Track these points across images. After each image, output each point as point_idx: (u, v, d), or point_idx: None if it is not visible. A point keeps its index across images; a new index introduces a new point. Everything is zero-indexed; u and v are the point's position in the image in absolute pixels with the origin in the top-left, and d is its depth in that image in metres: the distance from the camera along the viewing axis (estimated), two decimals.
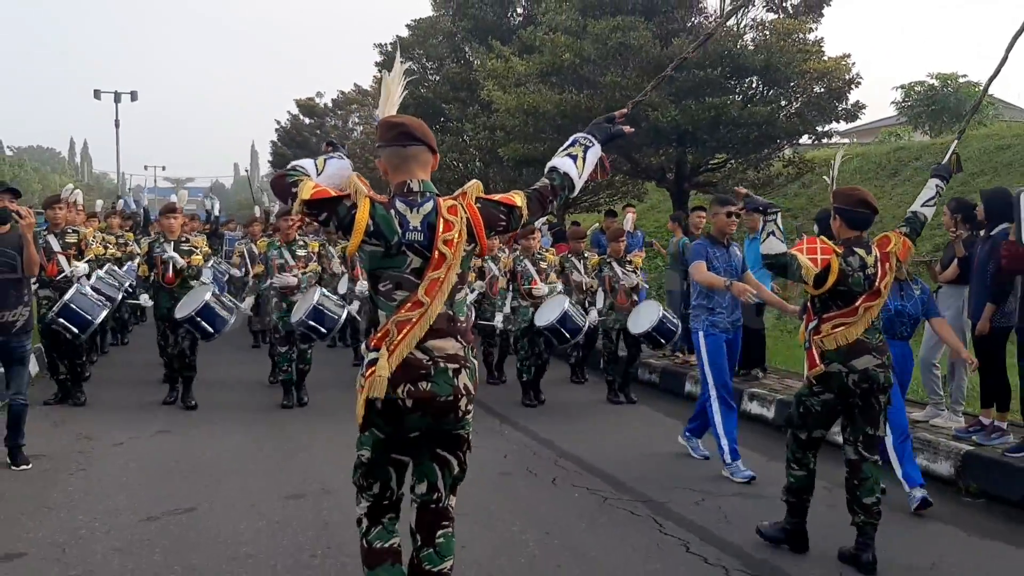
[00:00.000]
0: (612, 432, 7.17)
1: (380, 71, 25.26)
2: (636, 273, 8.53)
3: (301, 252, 8.28)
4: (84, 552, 4.16)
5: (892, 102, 20.29)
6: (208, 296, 7.69)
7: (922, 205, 4.72)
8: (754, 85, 12.58)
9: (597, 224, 12.37)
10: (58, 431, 6.70)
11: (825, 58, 13.02)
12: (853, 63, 12.97)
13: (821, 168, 15.66)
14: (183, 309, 7.67)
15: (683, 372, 9.06)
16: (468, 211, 3.00)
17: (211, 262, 9.01)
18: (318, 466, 5.78)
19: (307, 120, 35.79)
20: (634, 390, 8.59)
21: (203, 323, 7.64)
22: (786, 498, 4.47)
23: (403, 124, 3.04)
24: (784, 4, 13.23)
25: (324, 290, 8.06)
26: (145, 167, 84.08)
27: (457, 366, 2.96)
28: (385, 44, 23.60)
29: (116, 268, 8.99)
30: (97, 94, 39.05)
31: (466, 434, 3.06)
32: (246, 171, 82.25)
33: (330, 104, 35.60)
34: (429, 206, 2.99)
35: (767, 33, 12.50)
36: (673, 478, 5.70)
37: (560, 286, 8.56)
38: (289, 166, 3.13)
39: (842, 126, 15.92)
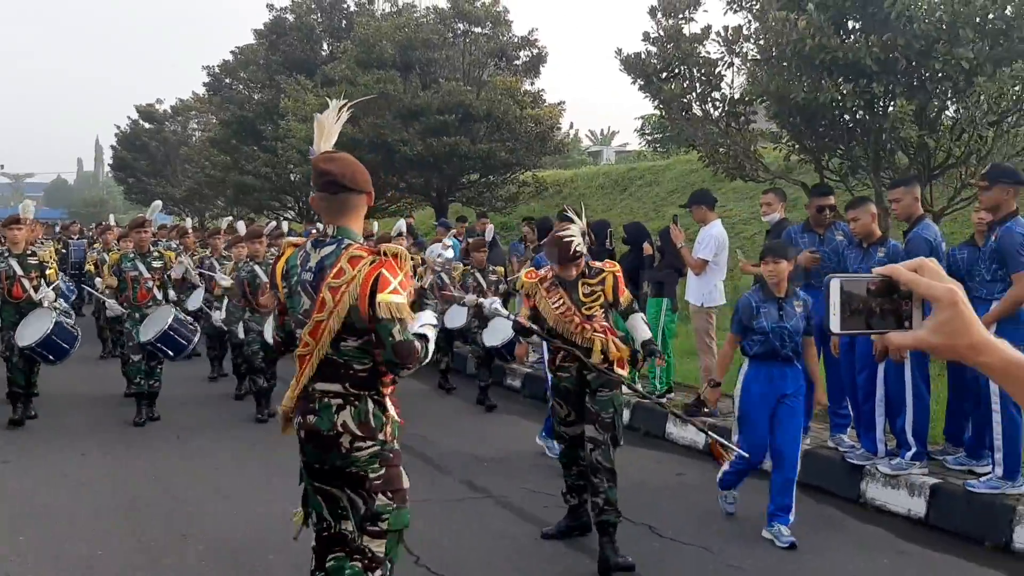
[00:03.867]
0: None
1: (206, 92, 28.07)
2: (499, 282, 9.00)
3: (157, 264, 8.09)
4: None
5: (635, 130, 25.02)
6: (51, 325, 7.48)
7: None
8: (480, 129, 16.48)
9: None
10: None
11: (546, 105, 17.22)
12: (563, 110, 17.24)
13: (553, 187, 19.96)
14: (24, 337, 7.51)
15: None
16: (369, 271, 2.90)
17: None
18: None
19: (147, 125, 37.62)
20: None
21: (46, 353, 7.57)
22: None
23: (330, 172, 3.00)
24: (513, 64, 17.31)
25: (178, 313, 7.99)
26: None
27: (341, 402, 2.99)
28: (213, 66, 26.50)
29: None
30: None
31: (365, 473, 2.99)
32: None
33: (169, 111, 37.58)
34: (329, 250, 2.99)
35: (491, 90, 16.45)
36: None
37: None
38: None
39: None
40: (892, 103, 7.73)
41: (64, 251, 13.90)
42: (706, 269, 7.69)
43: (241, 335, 8.63)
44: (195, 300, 10.03)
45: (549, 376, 5.19)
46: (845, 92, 7.66)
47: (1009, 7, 7.72)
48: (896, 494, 5.95)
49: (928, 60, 7.51)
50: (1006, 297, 5.27)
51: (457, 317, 9.06)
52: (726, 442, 5.15)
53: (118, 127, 38.23)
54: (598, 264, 4.99)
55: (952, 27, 7.36)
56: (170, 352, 7.81)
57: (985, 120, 7.69)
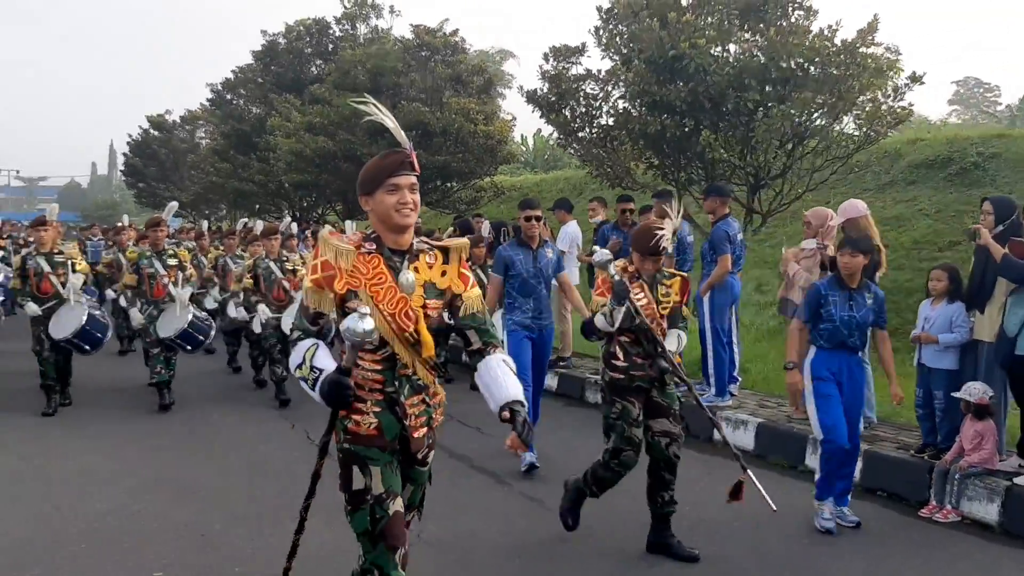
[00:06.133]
0: None
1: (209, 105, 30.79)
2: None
3: (172, 261, 8.60)
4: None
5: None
6: (85, 317, 8.02)
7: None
8: (437, 143, 19.03)
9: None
10: None
11: (498, 121, 19.82)
12: (514, 125, 19.87)
13: (516, 191, 22.50)
14: (59, 329, 8.03)
15: None
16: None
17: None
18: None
19: (157, 133, 40.33)
20: None
21: (82, 343, 8.16)
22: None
23: None
24: (468, 87, 19.96)
25: (195, 311, 8.53)
26: None
27: None
28: (215, 84, 29.27)
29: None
30: None
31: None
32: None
33: (178, 121, 40.31)
34: None
35: (448, 110, 18.95)
36: None
37: None
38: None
39: None
40: (700, 134, 10.29)
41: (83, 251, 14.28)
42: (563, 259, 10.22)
43: (258, 329, 9.10)
44: (211, 300, 10.81)
45: (611, 376, 5.00)
46: (665, 125, 10.25)
47: (792, 62, 10.28)
48: None
49: (723, 102, 10.07)
50: (714, 272, 7.82)
51: None
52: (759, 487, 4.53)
53: (130, 135, 40.95)
54: (669, 268, 5.15)
55: (739, 78, 9.92)
56: (188, 347, 8.50)
57: (773, 145, 10.27)
